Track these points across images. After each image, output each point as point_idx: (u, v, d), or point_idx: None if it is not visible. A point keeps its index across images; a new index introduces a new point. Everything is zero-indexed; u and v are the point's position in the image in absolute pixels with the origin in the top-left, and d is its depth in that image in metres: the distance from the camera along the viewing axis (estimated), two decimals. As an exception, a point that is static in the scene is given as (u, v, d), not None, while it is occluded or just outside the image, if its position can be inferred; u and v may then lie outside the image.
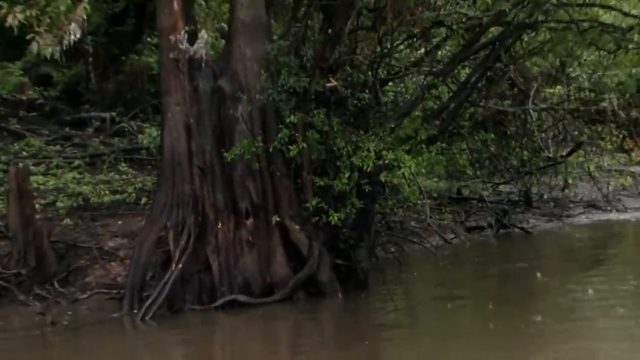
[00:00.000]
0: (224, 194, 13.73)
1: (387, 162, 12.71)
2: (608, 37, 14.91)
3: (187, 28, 13.62)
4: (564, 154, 23.36)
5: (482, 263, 17.43)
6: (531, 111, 20.78)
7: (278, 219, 13.54)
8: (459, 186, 22.63)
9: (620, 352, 10.02)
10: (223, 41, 16.71)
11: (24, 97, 22.88)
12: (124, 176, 19.28)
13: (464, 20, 15.31)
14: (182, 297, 13.51)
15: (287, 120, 13.21)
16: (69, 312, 13.66)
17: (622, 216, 23.06)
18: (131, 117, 22.65)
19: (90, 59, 23.32)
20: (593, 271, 15.71)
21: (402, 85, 17.21)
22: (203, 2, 17.92)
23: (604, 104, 22.01)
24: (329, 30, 13.67)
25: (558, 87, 22.28)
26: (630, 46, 15.11)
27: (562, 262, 17.17)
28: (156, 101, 17.39)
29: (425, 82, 14.60)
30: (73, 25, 11.30)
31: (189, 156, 13.90)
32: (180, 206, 13.76)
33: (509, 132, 21.82)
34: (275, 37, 14.46)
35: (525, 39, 16.92)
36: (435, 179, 22.08)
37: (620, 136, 23.20)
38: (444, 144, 17.18)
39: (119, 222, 16.56)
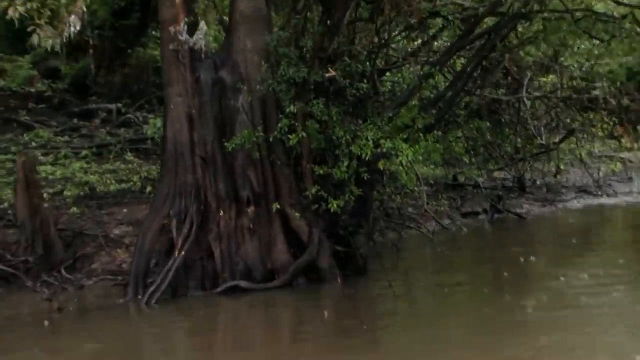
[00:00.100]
0: (226, 183, 13.49)
1: (385, 150, 12.49)
2: (602, 26, 14.56)
3: (186, 19, 13.31)
4: (556, 140, 23.07)
5: (478, 248, 17.16)
6: (525, 99, 20.47)
7: (278, 206, 13.28)
8: (455, 173, 22.34)
9: (616, 339, 9.68)
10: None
11: (33, 90, 22.59)
12: (130, 165, 18.97)
13: (460, 10, 15.03)
14: (185, 283, 13.32)
15: (287, 110, 12.96)
16: (76, 299, 13.41)
17: (613, 200, 22.84)
18: (137, 109, 22.40)
19: (91, 50, 22.89)
20: (586, 255, 15.50)
21: (399, 75, 16.92)
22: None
23: (596, 92, 21.63)
24: (328, 22, 13.36)
25: (551, 76, 21.93)
26: (624, 34, 14.70)
27: (556, 247, 16.87)
28: (161, 93, 17.13)
29: (422, 72, 14.26)
30: (73, 17, 10.98)
31: (191, 146, 13.67)
32: (183, 195, 13.54)
33: (503, 120, 21.49)
34: (275, 29, 14.12)
35: (520, 29, 16.57)
36: (431, 166, 21.74)
37: (611, 123, 22.83)
38: (440, 132, 16.83)
39: (125, 210, 16.29)
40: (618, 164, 25.02)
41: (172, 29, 13.24)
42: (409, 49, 16.86)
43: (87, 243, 15.19)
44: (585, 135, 23.38)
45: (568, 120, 22.70)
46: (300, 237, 13.38)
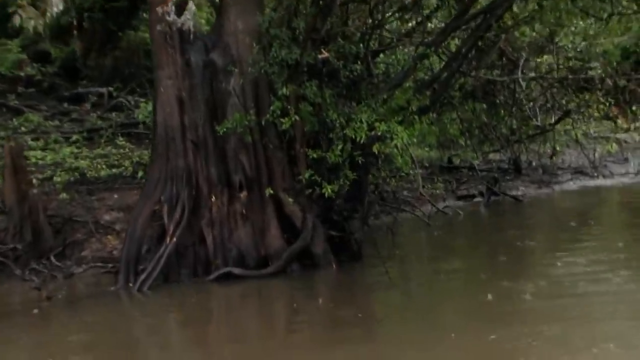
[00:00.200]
0: (218, 168, 13.18)
1: (380, 133, 12.15)
2: (599, 4, 14.24)
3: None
4: (552, 122, 22.78)
5: (474, 232, 16.90)
6: (520, 80, 20.11)
7: (272, 191, 12.95)
8: (450, 155, 22.05)
9: (617, 328, 9.39)
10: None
11: (22, 74, 22.21)
12: (121, 150, 18.65)
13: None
14: (177, 270, 13.05)
15: (280, 93, 12.61)
16: (65, 287, 13.11)
17: (609, 182, 22.59)
18: (128, 92, 22.10)
19: (75, 32, 22.43)
20: (584, 239, 15.13)
21: (393, 56, 16.61)
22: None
23: (592, 72, 21.29)
24: (320, 2, 13.01)
25: (546, 56, 21.58)
26: (622, 11, 14.38)
27: (554, 230, 16.57)
28: (152, 76, 16.80)
29: (417, 53, 13.90)
30: (56, -2, 10.58)
31: (182, 130, 13.33)
32: (174, 180, 13.21)
33: (498, 101, 21.14)
34: (267, 10, 13.74)
35: (515, 9, 16.21)
36: (426, 149, 21.49)
37: (607, 104, 22.51)
38: (434, 114, 16.52)
39: (115, 196, 15.96)
40: (614, 144, 24.73)
41: (159, 9, 12.87)
42: (403, 30, 16.49)
43: (77, 229, 14.88)
44: (581, 117, 23.08)
45: (564, 101, 22.39)
46: (294, 222, 13.07)
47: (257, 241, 13.04)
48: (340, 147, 12.51)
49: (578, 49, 20.73)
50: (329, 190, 12.46)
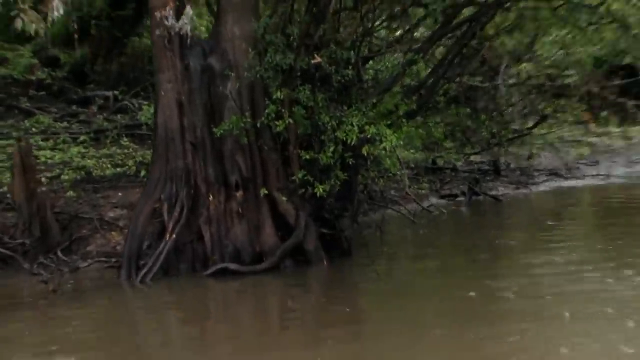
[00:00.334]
0: (215, 168, 12.72)
1: (369, 136, 11.70)
2: (578, 14, 13.78)
3: (171, 4, 12.42)
4: (529, 126, 22.42)
5: (458, 230, 16.41)
6: (501, 87, 19.72)
7: (266, 191, 12.55)
8: (434, 157, 21.59)
9: (598, 328, 8.91)
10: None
11: (33, 78, 21.71)
12: (125, 150, 18.22)
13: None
14: (176, 265, 12.62)
15: (274, 97, 12.16)
16: (71, 280, 12.61)
17: (581, 183, 22.18)
18: (132, 95, 21.67)
19: (76, 35, 21.89)
20: (561, 237, 14.71)
21: (382, 63, 16.16)
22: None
23: (567, 80, 20.88)
24: (314, 10, 12.56)
25: (524, 64, 21.18)
26: (601, 22, 13.93)
27: (533, 229, 15.99)
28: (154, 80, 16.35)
29: (405, 59, 13.44)
30: (56, 2, 10.03)
31: (181, 132, 12.87)
32: (174, 180, 12.78)
33: (479, 106, 20.73)
34: (262, 17, 13.27)
35: (496, 20, 15.76)
36: (412, 151, 21.00)
37: (581, 109, 22.13)
38: (420, 118, 16.05)
39: (119, 194, 15.47)
40: (586, 148, 24.35)
41: (158, 14, 12.38)
42: (391, 38, 16.05)
43: (83, 226, 14.39)
44: (556, 121, 22.71)
45: (540, 107, 22.03)
46: (288, 220, 12.65)
47: (252, 238, 12.61)
48: (331, 149, 12.12)
49: (554, 58, 20.33)
50: (321, 190, 12.08)
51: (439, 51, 16.64)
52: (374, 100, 12.73)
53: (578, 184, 21.92)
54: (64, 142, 18.39)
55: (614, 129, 25.21)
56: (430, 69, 14.97)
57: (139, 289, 12.00)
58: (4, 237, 13.55)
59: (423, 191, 18.76)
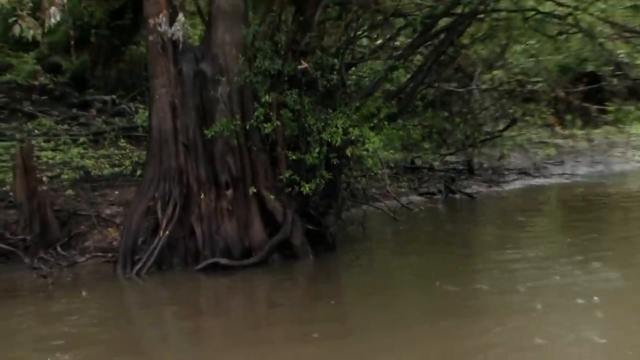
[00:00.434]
0: (206, 168, 12.36)
1: (353, 137, 11.41)
2: (549, 24, 13.58)
3: (165, 12, 12.05)
4: (500, 128, 22.22)
5: (436, 227, 16.01)
6: (475, 92, 19.47)
7: (255, 190, 12.19)
8: (412, 157, 21.27)
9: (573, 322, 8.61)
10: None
11: (36, 83, 21.17)
12: (123, 151, 17.77)
13: (419, 9, 13.98)
14: (169, 260, 12.25)
15: (263, 100, 11.88)
16: (70, 274, 12.25)
17: (548, 181, 21.92)
18: (130, 99, 21.17)
19: (72, 42, 21.37)
20: (533, 233, 14.57)
21: (364, 69, 15.92)
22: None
23: (536, 86, 20.66)
24: (300, 19, 12.27)
25: (495, 71, 20.93)
26: (571, 31, 13.69)
27: (506, 225, 15.60)
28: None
29: (387, 66, 13.16)
30: (53, 9, 9.64)
31: (174, 134, 12.49)
32: (167, 179, 12.40)
33: (454, 110, 20.50)
34: (251, 25, 12.95)
35: (470, 30, 15.49)
36: (391, 151, 20.69)
37: (548, 113, 21.91)
38: (400, 121, 15.78)
39: (116, 192, 15.08)
40: (552, 149, 24.16)
41: (152, 21, 12.01)
42: (372, 46, 15.77)
43: (81, 222, 13.97)
44: (525, 124, 22.51)
45: (511, 111, 21.83)
46: (275, 217, 12.31)
47: (241, 234, 12.24)
48: (317, 149, 11.85)
49: (523, 66, 20.11)
50: (307, 189, 11.82)
51: (417, 59, 16.36)
52: (357, 104, 12.48)
53: (545, 182, 21.66)
54: (64, 143, 17.92)
55: (578, 132, 25.01)
56: (409, 75, 14.75)
57: (134, 283, 11.65)
58: (5, 233, 13.18)
59: (403, 189, 18.43)
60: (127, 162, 16.71)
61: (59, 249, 13.14)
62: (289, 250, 12.32)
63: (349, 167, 14.57)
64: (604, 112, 23.89)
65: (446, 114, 19.88)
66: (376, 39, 15.99)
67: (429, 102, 19.29)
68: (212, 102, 12.35)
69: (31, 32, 9.69)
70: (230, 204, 12.23)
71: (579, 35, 14.96)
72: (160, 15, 11.92)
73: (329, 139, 11.63)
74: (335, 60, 12.50)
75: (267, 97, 11.83)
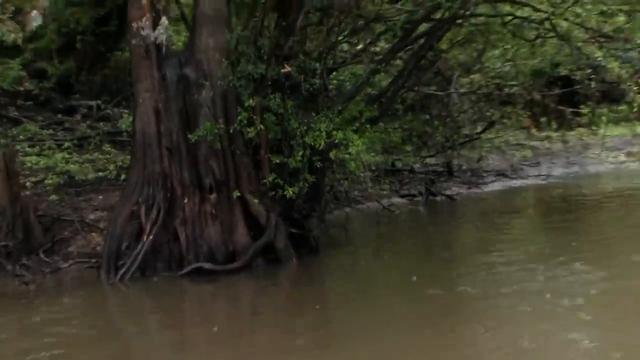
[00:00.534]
0: (190, 172, 11.93)
1: (337, 141, 11.02)
2: (526, 28, 13.31)
3: (148, 15, 11.62)
4: (478, 131, 21.92)
5: (418, 229, 15.59)
6: (454, 95, 19.16)
7: (239, 193, 11.80)
8: (393, 160, 20.89)
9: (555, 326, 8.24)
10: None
11: (21, 89, 20.62)
12: (107, 156, 17.18)
13: (399, 15, 13.65)
14: (153, 264, 11.79)
15: (246, 104, 11.50)
16: (53, 280, 11.80)
17: (525, 182, 21.58)
18: (115, 105, 20.62)
19: (54, 45, 20.88)
20: (514, 233, 14.28)
21: (345, 73, 15.53)
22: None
23: (512, 89, 20.40)
24: (283, 23, 11.90)
25: (473, 75, 20.66)
26: (548, 35, 13.40)
27: (487, 227, 15.10)
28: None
29: (369, 70, 12.80)
30: (35, 12, 9.18)
31: (158, 138, 12.07)
32: (151, 183, 11.96)
33: (434, 113, 20.21)
34: (235, 29, 12.56)
35: (449, 35, 15.18)
36: (372, 154, 20.31)
37: (524, 116, 21.66)
38: (382, 124, 15.43)
39: (100, 197, 14.55)
40: (528, 151, 23.92)
41: (134, 24, 11.57)
42: (353, 51, 15.42)
43: (65, 228, 13.42)
44: (502, 127, 22.24)
45: (488, 114, 21.55)
46: (259, 221, 11.90)
47: (225, 238, 11.81)
48: (300, 153, 11.48)
49: (499, 70, 19.84)
50: (290, 192, 11.47)
51: (397, 63, 16.00)
52: (340, 108, 12.12)
53: (523, 183, 21.34)
54: (49, 148, 17.33)
55: (553, 134, 24.78)
56: (390, 79, 14.41)
57: (118, 289, 11.20)
58: (-13, 239, 12.62)
59: (384, 192, 18.03)
60: (111, 167, 16.10)
61: (41, 254, 12.58)
62: (273, 253, 11.91)
63: (332, 170, 14.18)
64: (578, 114, 23.68)
65: (427, 117, 19.53)
66: (356, 44, 15.66)
67: (409, 105, 18.95)
68: (196, 107, 11.95)
69: (12, 35, 9.22)
70: (214, 208, 11.82)
71: (555, 40, 14.71)
72: (144, 19, 11.49)
73: (312, 143, 11.27)
74: (317, 65, 12.13)
75: (250, 101, 11.46)
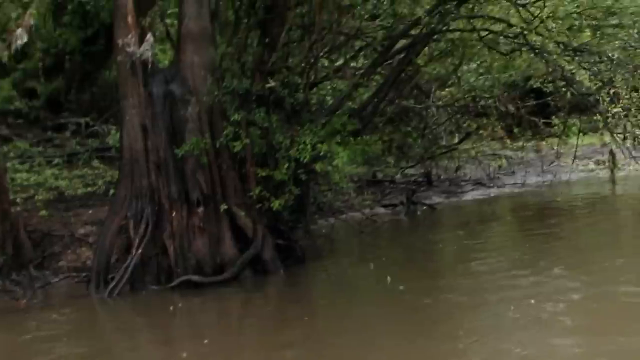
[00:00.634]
0: (177, 186, 11.57)
1: (321, 153, 10.75)
2: (501, 43, 13.16)
3: (133, 31, 11.31)
4: (455, 142, 21.74)
5: (401, 238, 15.31)
6: (433, 108, 19.02)
7: (226, 206, 11.47)
8: (374, 171, 20.64)
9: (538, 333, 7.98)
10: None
11: (12, 107, 20.20)
12: (96, 171, 16.91)
13: (378, 30, 13.50)
14: (142, 278, 11.40)
15: (232, 119, 11.24)
16: (43, 295, 11.45)
17: (502, 191, 21.32)
18: (103, 122, 20.26)
19: (41, 63, 20.52)
20: (495, 241, 14.00)
21: (327, 88, 15.30)
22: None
23: (489, 102, 20.23)
24: (267, 40, 11.64)
25: (448, 89, 20.46)
26: (524, 49, 13.23)
27: (468, 234, 14.76)
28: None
29: (351, 83, 12.58)
30: (20, 30, 8.86)
31: (145, 153, 11.71)
32: (139, 198, 11.59)
33: (412, 125, 20.02)
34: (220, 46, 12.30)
35: (425, 51, 14.95)
36: (354, 165, 20.05)
37: (499, 127, 21.50)
38: (367, 136, 15.16)
39: (90, 212, 14.19)
40: (504, 160, 23.73)
41: (120, 41, 11.25)
42: (333, 67, 15.15)
43: (55, 242, 13.10)
44: (478, 137, 22.09)
45: (465, 125, 21.38)
46: (246, 233, 11.60)
47: (213, 251, 11.46)
48: (285, 166, 11.18)
49: (473, 82, 19.64)
50: (277, 204, 11.15)
51: (376, 78, 15.77)
52: (323, 121, 11.81)
53: (499, 192, 21.06)
54: (39, 165, 17.03)
55: (527, 144, 24.66)
56: (370, 93, 14.18)
57: (107, 303, 10.84)
58: (-22, 256, 12.19)
59: (367, 202, 17.74)
60: (100, 182, 15.84)
61: (32, 270, 12.19)
62: (260, 265, 11.61)
63: (316, 182, 13.90)
64: (550, 125, 23.60)
65: (409, 128, 19.34)
66: (336, 61, 15.43)
67: (389, 118, 18.70)
68: (182, 122, 11.64)
69: (-2, 53, 8.92)
70: (201, 221, 11.47)
71: (529, 53, 14.55)
72: (129, 36, 11.18)
73: (297, 156, 10.99)
74: (299, 80, 11.88)
75: (236, 115, 11.19)
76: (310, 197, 13.54)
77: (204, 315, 10.21)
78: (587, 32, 13.36)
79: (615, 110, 12.08)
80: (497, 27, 13.51)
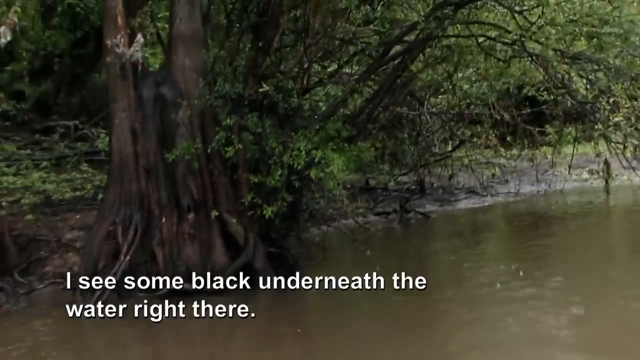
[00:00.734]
0: (167, 192, 11.37)
1: (316, 160, 10.51)
2: (500, 48, 13.00)
3: (122, 32, 11.06)
4: (449, 150, 21.57)
5: (394, 246, 15.17)
6: (426, 115, 18.85)
7: (217, 213, 11.26)
8: (367, 178, 20.44)
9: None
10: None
11: (-1, 110, 19.89)
12: (85, 175, 16.57)
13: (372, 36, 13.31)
14: (130, 285, 10.87)
15: (224, 124, 11.00)
16: (27, 301, 11.20)
17: (495, 199, 21.20)
18: (92, 125, 19.94)
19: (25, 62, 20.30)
20: (489, 250, 13.90)
21: (320, 94, 15.10)
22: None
23: (482, 109, 20.08)
24: (260, 44, 11.42)
25: (441, 96, 20.30)
26: (523, 55, 13.08)
27: (463, 243, 14.71)
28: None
29: (347, 88, 12.37)
30: (3, 28, 8.62)
31: (135, 158, 11.51)
32: (128, 203, 11.38)
33: (406, 132, 19.83)
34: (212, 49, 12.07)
35: (420, 57, 14.77)
36: (347, 172, 19.85)
37: (492, 135, 21.36)
38: (362, 143, 15.01)
39: (77, 216, 13.92)
40: (497, 169, 23.57)
41: (109, 41, 11.01)
42: (327, 72, 14.96)
43: (41, 247, 12.81)
44: (472, 145, 21.91)
45: (459, 133, 21.22)
46: (237, 240, 11.38)
47: (203, 258, 11.26)
48: (278, 172, 10.95)
49: (467, 90, 19.49)
50: (269, 212, 10.90)
51: (369, 84, 15.56)
52: (317, 127, 11.60)
53: (493, 201, 20.93)
54: (26, 168, 16.64)
55: (521, 152, 24.50)
56: (363, 99, 13.98)
57: (93, 310, 10.39)
58: (-39, 260, 11.92)
59: (360, 210, 17.53)
60: (88, 186, 15.52)
61: (16, 275, 11.97)
62: (251, 273, 11.29)
63: (309, 189, 13.67)
64: (545, 133, 23.48)
65: (405, 135, 19.16)
66: (328, 66, 15.24)
67: (382, 125, 18.51)
68: (173, 126, 11.44)
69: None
70: (191, 228, 11.27)
71: (525, 60, 14.42)
72: (119, 36, 10.94)
73: (291, 162, 10.76)
74: (292, 84, 11.67)
75: (228, 120, 10.96)
76: (302, 205, 13.37)
77: (192, 326, 9.91)
78: (583, 41, 13.25)
79: (617, 119, 11.92)
80: (494, 33, 13.40)
